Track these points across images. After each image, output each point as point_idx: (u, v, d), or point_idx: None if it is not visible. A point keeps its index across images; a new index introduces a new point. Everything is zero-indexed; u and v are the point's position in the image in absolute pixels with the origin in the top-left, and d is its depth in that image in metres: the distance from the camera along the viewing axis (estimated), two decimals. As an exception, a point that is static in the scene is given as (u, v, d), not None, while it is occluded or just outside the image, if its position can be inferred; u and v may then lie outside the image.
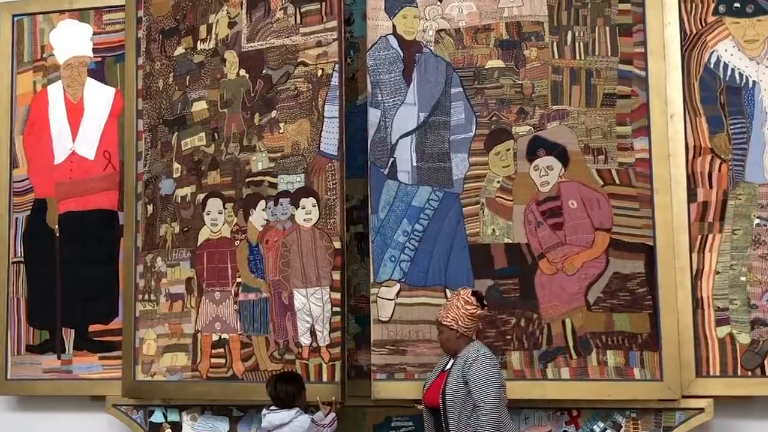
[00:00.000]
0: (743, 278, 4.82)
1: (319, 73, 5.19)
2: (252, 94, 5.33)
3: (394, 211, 5.09)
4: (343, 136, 5.10)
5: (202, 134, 5.46)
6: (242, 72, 5.37)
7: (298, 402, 4.77)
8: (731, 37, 4.97)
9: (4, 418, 5.95)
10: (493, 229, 5.01)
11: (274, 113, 5.27)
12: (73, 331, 5.78)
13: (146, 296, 5.58)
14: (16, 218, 5.91)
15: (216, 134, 5.42)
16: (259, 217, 5.24)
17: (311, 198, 5.15)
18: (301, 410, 4.75)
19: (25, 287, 5.87)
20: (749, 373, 4.79)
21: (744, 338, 4.81)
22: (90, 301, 5.75)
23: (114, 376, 5.64)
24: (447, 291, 4.97)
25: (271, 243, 5.21)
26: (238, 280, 5.28)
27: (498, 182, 5.02)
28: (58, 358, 5.78)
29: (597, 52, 5.00)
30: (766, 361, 4.77)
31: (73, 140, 5.88)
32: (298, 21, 5.26)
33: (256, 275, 5.24)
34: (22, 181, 5.92)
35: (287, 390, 4.75)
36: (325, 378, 5.04)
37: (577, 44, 5.03)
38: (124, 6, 5.81)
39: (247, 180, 5.30)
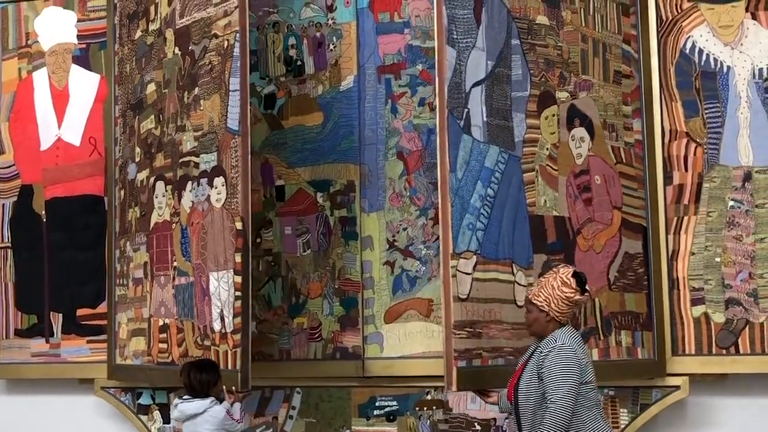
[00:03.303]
0: (718, 259, 4.93)
1: (225, 44, 4.89)
2: (182, 72, 5.19)
3: (470, 171, 4.44)
4: (246, 109, 4.73)
5: (152, 116, 5.41)
6: (176, 50, 5.23)
7: (213, 391, 4.54)
8: (706, 23, 5.06)
9: (-6, 401, 6.02)
10: (545, 200, 4.69)
11: (196, 90, 5.08)
12: (61, 315, 5.84)
13: (121, 281, 5.64)
14: (3, 204, 5.96)
15: (161, 116, 5.33)
16: (187, 199, 5.10)
17: (221, 177, 4.88)
18: (216, 400, 4.53)
19: (13, 272, 5.92)
20: (724, 352, 4.90)
21: (718, 317, 4.92)
22: (77, 285, 5.81)
23: (101, 359, 5.70)
24: (513, 266, 4.54)
25: (194, 225, 5.03)
26: (175, 264, 5.20)
27: (547, 149, 4.72)
28: (47, 341, 5.84)
29: (608, 27, 5.00)
30: (740, 340, 4.89)
31: (59, 126, 5.92)
32: None
33: (186, 259, 5.11)
34: (9, 167, 5.97)
35: (200, 378, 4.52)
36: (230, 366, 4.75)
37: (596, 15, 4.97)
38: (107, -7, 5.85)
39: (180, 161, 5.15)
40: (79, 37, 5.95)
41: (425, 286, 5.23)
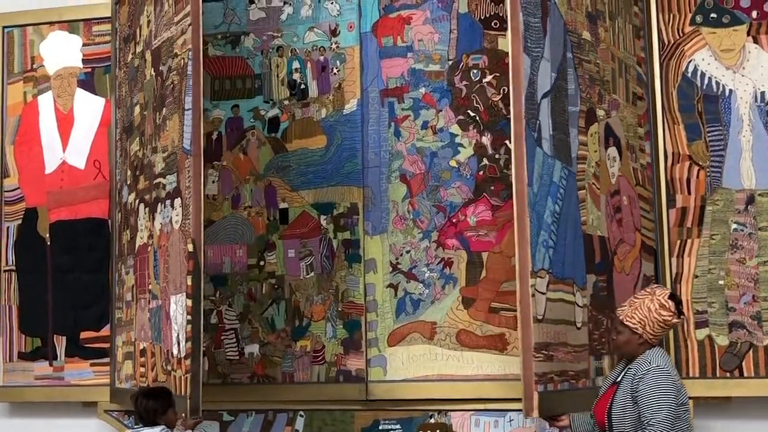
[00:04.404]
0: (721, 282, 4.94)
1: (182, 63, 4.82)
2: (155, 93, 5.19)
3: (543, 186, 4.27)
4: (198, 129, 4.60)
5: (137, 139, 5.42)
6: (152, 71, 5.23)
7: (162, 419, 4.42)
8: (708, 46, 5.09)
9: (-3, 424, 6.02)
10: (592, 219, 4.60)
11: (164, 111, 5.06)
12: (64, 338, 5.84)
13: (118, 304, 5.64)
14: (8, 227, 5.97)
15: (142, 138, 5.33)
16: (158, 221, 5.08)
17: (179, 198, 4.82)
18: (167, 428, 4.42)
19: (17, 295, 5.92)
20: (728, 375, 4.90)
21: (722, 340, 4.92)
22: (81, 308, 5.81)
23: (105, 382, 5.69)
24: (574, 285, 4.42)
25: (162, 248, 5.00)
26: (149, 287, 5.18)
27: (592, 167, 4.65)
28: (50, 364, 5.84)
29: (627, 48, 5.01)
30: (743, 363, 4.89)
31: (64, 150, 5.95)
32: (174, 10, 4.95)
33: (156, 282, 5.08)
34: (13, 190, 5.98)
35: (147, 406, 4.42)
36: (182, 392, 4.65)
37: (620, 35, 4.95)
38: (111, 18, 5.89)
39: (153, 183, 5.14)
40: (84, 61, 5.98)
41: (429, 308, 5.23)
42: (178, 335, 4.72)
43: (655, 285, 4.18)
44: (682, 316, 3.96)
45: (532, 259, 4.10)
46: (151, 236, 5.16)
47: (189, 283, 4.54)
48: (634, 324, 3.90)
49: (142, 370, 5.20)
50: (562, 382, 4.24)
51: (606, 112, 4.80)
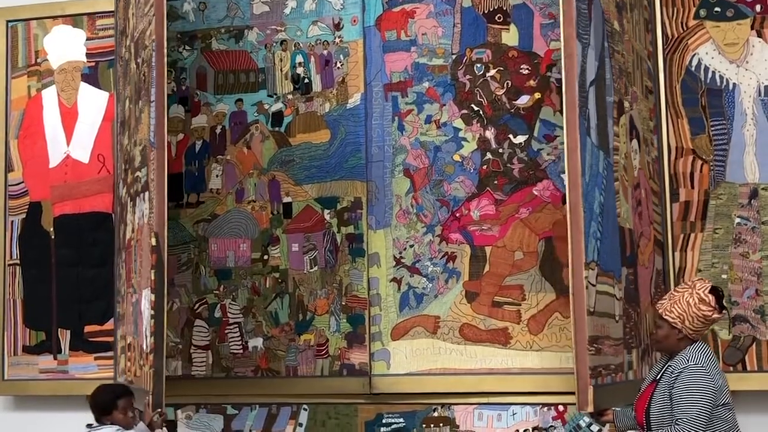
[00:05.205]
0: (724, 276, 4.94)
1: (150, 54, 4.82)
2: (136, 86, 5.19)
3: (593, 176, 4.20)
4: (162, 120, 4.60)
5: (127, 133, 5.43)
6: (134, 64, 5.23)
7: (109, 418, 4.36)
8: (712, 40, 5.09)
9: (2, 418, 6.01)
10: (623, 211, 4.52)
11: (140, 103, 5.08)
12: (68, 332, 5.84)
13: (118, 298, 5.65)
14: (12, 221, 5.98)
15: (129, 131, 5.35)
16: (136, 215, 5.11)
17: (147, 192, 4.83)
18: (122, 427, 4.33)
19: (21, 289, 5.93)
20: (731, 369, 4.89)
21: (725, 334, 4.92)
22: (85, 302, 5.81)
23: (109, 376, 5.70)
24: (614, 278, 4.35)
25: (139, 242, 5.02)
26: (132, 281, 5.18)
27: (622, 158, 4.59)
28: (55, 358, 5.85)
29: (640, 41, 4.97)
30: (747, 357, 4.89)
31: (68, 144, 5.95)
32: (145, 0, 4.90)
33: (135, 276, 5.10)
34: (18, 184, 5.98)
35: (96, 403, 4.40)
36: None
37: (636, 28, 4.90)
38: (115, 12, 5.89)
39: (134, 176, 5.16)
40: (88, 55, 5.98)
41: (432, 302, 5.25)
42: (146, 330, 4.73)
43: (697, 279, 4.07)
44: (723, 311, 3.83)
45: (585, 251, 3.98)
46: (134, 230, 5.18)
47: (152, 277, 4.55)
48: (672, 318, 3.82)
49: (129, 363, 5.22)
50: (605, 376, 4.14)
51: (630, 104, 4.77)
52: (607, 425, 4.23)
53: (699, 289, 3.81)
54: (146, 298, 4.71)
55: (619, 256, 4.39)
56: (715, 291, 3.81)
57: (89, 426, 4.49)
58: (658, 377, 3.90)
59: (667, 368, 3.85)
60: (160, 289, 4.55)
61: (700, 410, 3.66)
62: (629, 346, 4.49)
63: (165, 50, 4.67)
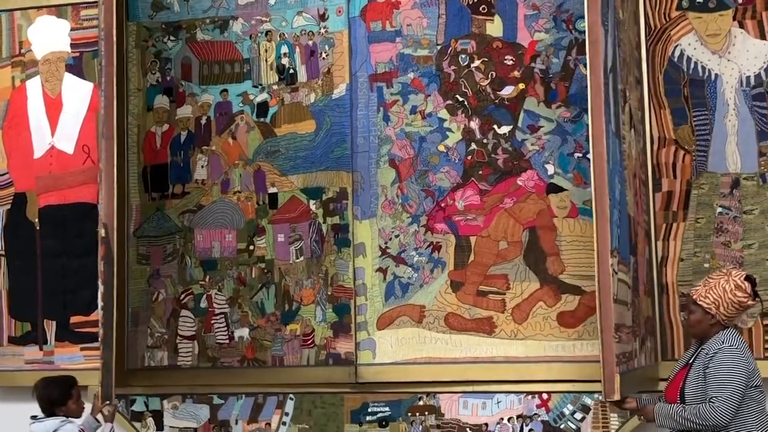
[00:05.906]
0: (707, 265, 4.98)
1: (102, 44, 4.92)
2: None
3: (615, 164, 4.26)
4: (110, 110, 4.72)
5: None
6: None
7: (61, 410, 4.37)
8: (694, 31, 5.11)
9: (-13, 408, 6.03)
10: (628, 199, 4.59)
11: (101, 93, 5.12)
12: (54, 322, 5.84)
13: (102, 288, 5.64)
14: (-3, 212, 5.98)
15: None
16: None
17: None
18: (67, 419, 4.35)
19: (7, 280, 5.93)
20: (714, 356, 4.96)
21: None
22: (71, 293, 5.81)
23: (95, 367, 5.65)
24: (627, 265, 4.40)
25: None
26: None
27: (627, 147, 4.64)
28: (40, 349, 5.85)
29: (630, 31, 4.95)
30: (728, 345, 4.94)
31: (52, 135, 5.94)
32: None
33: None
34: (2, 175, 5.96)
35: (42, 395, 4.38)
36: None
37: (628, 19, 4.86)
38: (99, 2, 5.87)
39: (100, 166, 5.16)
40: (72, 45, 5.96)
41: (417, 292, 5.28)
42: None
43: (731, 266, 4.16)
44: (757, 299, 3.92)
45: (611, 239, 4.04)
46: None
47: (101, 269, 4.53)
48: (707, 304, 3.91)
49: None
50: (623, 363, 4.19)
51: (629, 93, 4.80)
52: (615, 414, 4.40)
53: (735, 276, 3.90)
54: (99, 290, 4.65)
55: (629, 245, 4.45)
56: (749, 279, 3.90)
57: (34, 418, 4.46)
58: (691, 361, 3.97)
59: (700, 352, 3.94)
60: (109, 281, 4.52)
61: (733, 391, 3.77)
62: (635, 334, 4.54)
63: (114, 41, 4.71)
